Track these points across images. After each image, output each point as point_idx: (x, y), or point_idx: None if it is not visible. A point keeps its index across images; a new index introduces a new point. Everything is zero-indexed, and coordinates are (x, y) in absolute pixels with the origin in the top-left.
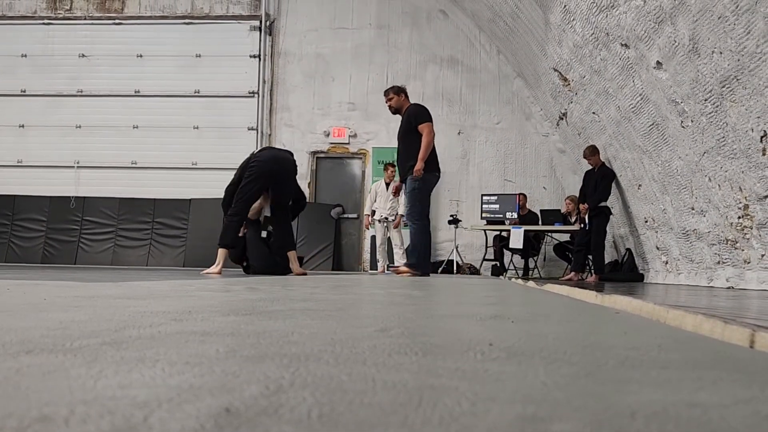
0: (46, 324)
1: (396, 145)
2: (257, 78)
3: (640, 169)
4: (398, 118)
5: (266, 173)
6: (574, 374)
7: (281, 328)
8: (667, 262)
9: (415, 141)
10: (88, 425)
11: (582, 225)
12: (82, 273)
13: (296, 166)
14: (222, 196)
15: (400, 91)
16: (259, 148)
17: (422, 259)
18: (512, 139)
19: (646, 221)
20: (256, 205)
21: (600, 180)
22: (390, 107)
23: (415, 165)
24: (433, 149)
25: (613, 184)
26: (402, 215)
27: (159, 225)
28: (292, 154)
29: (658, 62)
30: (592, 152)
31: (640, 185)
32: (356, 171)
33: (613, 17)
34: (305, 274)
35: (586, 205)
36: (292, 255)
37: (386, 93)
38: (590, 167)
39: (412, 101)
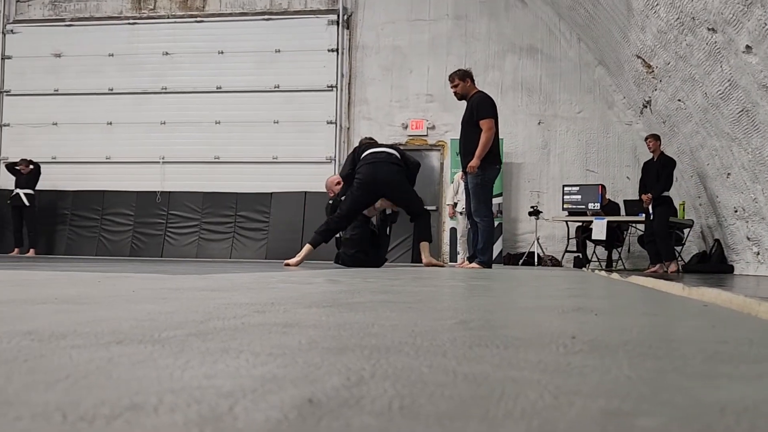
0: (135, 315)
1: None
2: (335, 72)
3: (729, 157)
4: None
5: (370, 192)
6: (660, 368)
7: (362, 320)
8: (758, 253)
9: (477, 133)
10: (176, 414)
11: (646, 216)
12: (169, 266)
13: (406, 166)
14: (302, 189)
15: (465, 75)
16: (364, 151)
17: (491, 255)
18: (594, 128)
19: (736, 211)
20: (378, 204)
21: (661, 169)
22: (455, 93)
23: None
24: (495, 141)
25: (698, 174)
26: None
27: (241, 218)
28: (396, 158)
29: (747, 46)
30: (656, 138)
31: (729, 174)
32: (434, 163)
33: (699, 1)
34: (434, 264)
35: (649, 195)
36: (424, 246)
37: (451, 78)
38: (649, 157)
39: (491, 92)
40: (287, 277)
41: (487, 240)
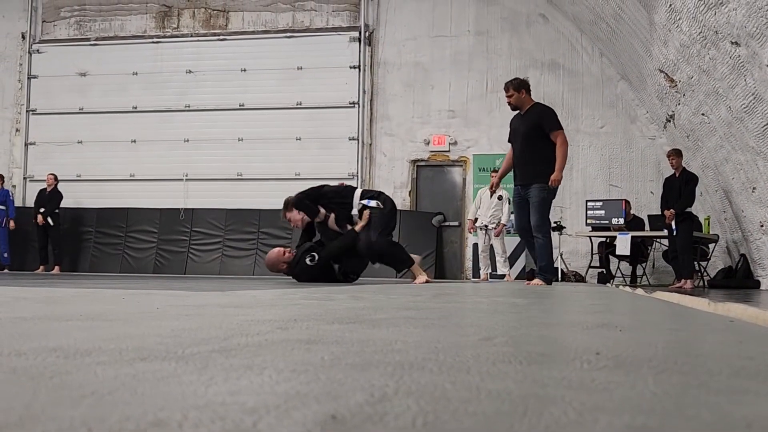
0: (159, 332)
1: (496, 151)
2: (357, 88)
3: (755, 172)
4: (499, 124)
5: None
6: (686, 384)
7: (385, 337)
8: None
9: (544, 145)
10: (201, 430)
11: (669, 231)
12: (192, 282)
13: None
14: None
15: (520, 86)
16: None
17: (553, 270)
18: (617, 143)
19: (762, 225)
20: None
21: (684, 185)
22: (509, 103)
23: (543, 170)
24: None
25: (723, 188)
26: (504, 224)
27: (264, 235)
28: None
29: None
30: (678, 154)
31: (754, 188)
32: (457, 178)
33: (722, 14)
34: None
35: (672, 211)
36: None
37: (506, 88)
38: (671, 174)
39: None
40: (309, 293)
41: (549, 257)
